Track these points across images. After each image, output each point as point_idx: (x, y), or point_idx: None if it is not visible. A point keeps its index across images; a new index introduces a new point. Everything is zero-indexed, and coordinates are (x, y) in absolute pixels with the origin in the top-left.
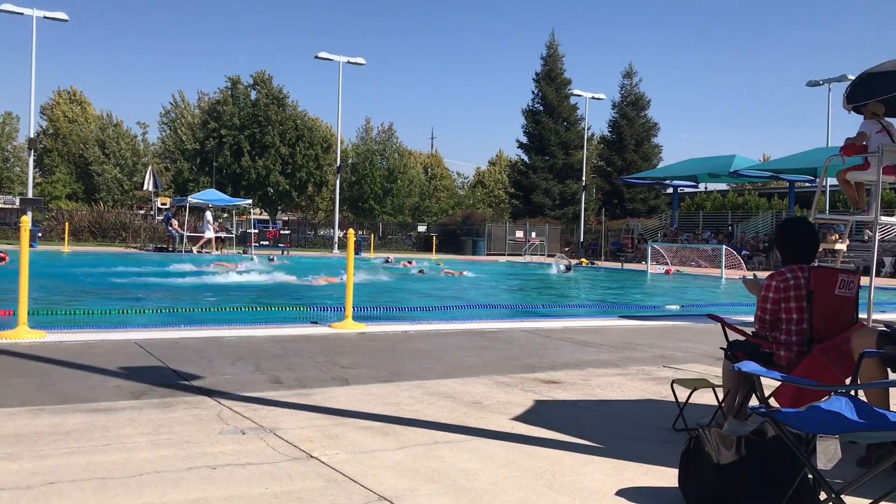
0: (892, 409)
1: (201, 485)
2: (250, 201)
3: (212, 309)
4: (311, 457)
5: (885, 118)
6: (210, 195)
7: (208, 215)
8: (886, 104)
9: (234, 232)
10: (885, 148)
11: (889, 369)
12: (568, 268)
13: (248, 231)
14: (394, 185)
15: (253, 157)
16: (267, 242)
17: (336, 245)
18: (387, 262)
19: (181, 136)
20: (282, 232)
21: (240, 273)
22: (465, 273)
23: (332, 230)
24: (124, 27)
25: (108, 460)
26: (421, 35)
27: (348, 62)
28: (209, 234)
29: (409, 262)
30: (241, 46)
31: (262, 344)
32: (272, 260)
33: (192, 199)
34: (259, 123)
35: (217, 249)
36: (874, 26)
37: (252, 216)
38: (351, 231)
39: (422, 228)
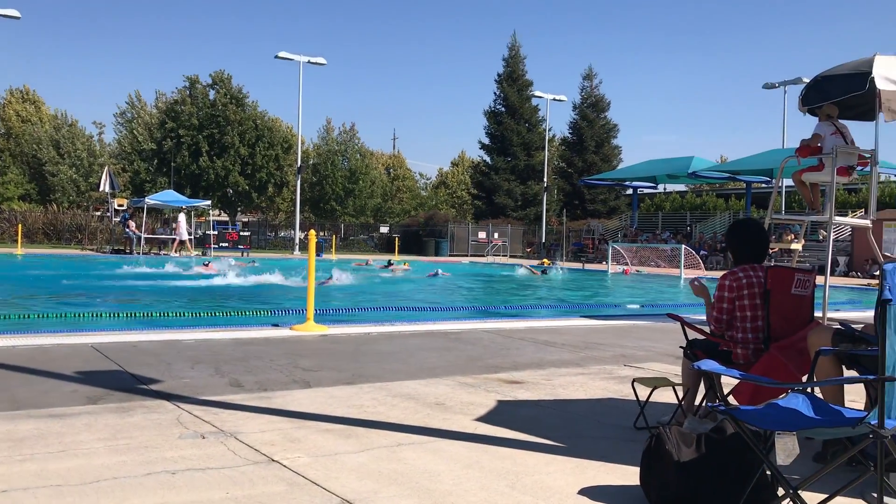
0: (846, 405)
1: (161, 490)
2: (209, 202)
3: (170, 313)
4: (273, 460)
5: (839, 120)
6: (168, 196)
7: (182, 217)
8: (840, 106)
9: (192, 233)
10: (838, 149)
11: (844, 367)
12: (544, 270)
13: (208, 232)
14: (355, 185)
15: (212, 157)
16: (226, 244)
17: (297, 246)
18: (366, 264)
19: (138, 136)
20: (241, 233)
21: (240, 274)
22: (439, 272)
23: (292, 231)
24: (79, 25)
25: (63, 467)
26: (382, 35)
27: (309, 62)
28: (183, 235)
29: (390, 264)
30: (199, 46)
31: (222, 347)
32: (253, 263)
33: (150, 200)
34: (218, 124)
35: (176, 252)
36: (829, 30)
37: (211, 217)
38: (312, 232)
39: (384, 229)
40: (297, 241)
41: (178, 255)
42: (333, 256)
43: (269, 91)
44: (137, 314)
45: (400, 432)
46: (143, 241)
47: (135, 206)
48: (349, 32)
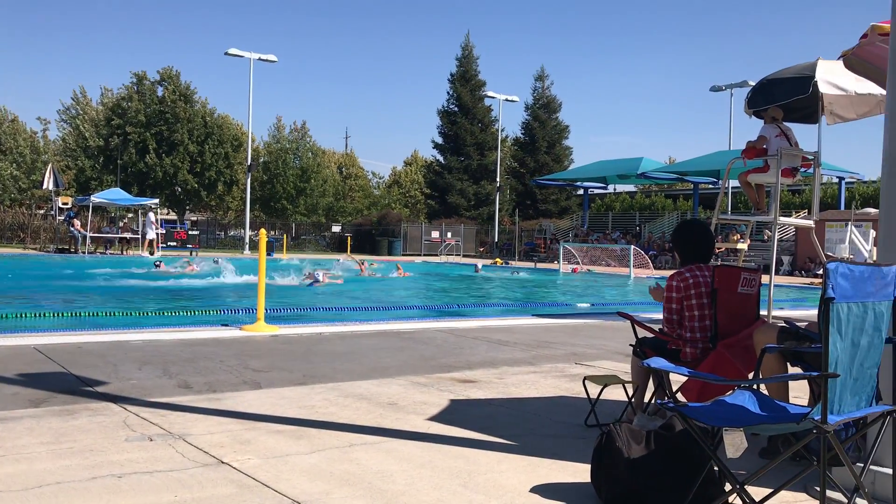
0: (791, 401)
1: (106, 495)
2: (157, 201)
3: (117, 313)
4: (223, 462)
5: (784, 123)
6: (114, 194)
7: (151, 216)
8: (784, 109)
9: (139, 233)
10: (783, 151)
11: (788, 363)
12: (516, 271)
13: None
14: (307, 184)
15: (160, 155)
16: (175, 243)
17: (247, 246)
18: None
19: (84, 132)
20: (190, 232)
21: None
22: (406, 273)
23: (242, 231)
24: (19, 18)
25: (3, 472)
26: (334, 33)
27: (259, 59)
28: (151, 234)
29: (362, 264)
30: (146, 41)
31: (170, 348)
32: (216, 262)
33: (96, 198)
34: (166, 121)
35: (123, 251)
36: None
37: (159, 216)
38: (263, 231)
39: (336, 229)
40: (246, 240)
41: (147, 254)
42: (284, 256)
43: (219, 88)
44: (82, 314)
45: (352, 433)
46: (88, 241)
47: (80, 204)
48: (300, 29)
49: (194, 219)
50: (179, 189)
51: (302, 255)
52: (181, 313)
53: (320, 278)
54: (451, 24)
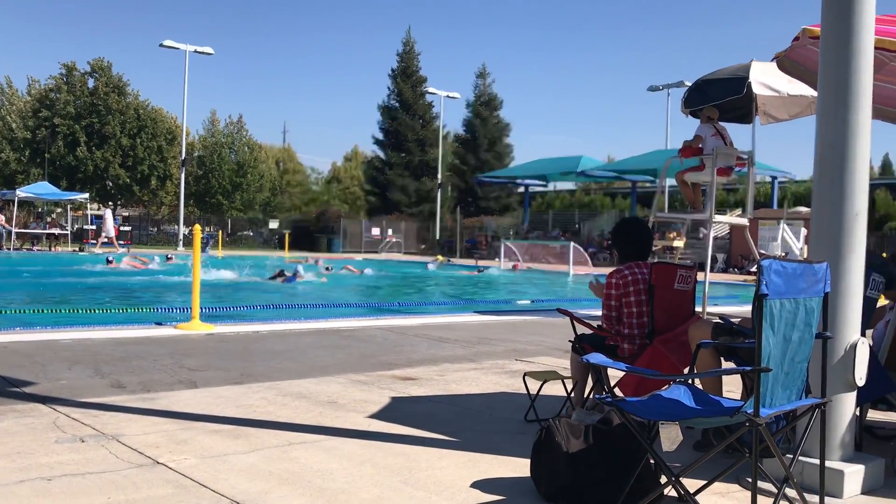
0: (724, 395)
1: (35, 498)
2: (87, 195)
3: (45, 311)
4: (158, 463)
5: (719, 122)
6: (41, 188)
7: (108, 213)
8: (720, 109)
9: (69, 228)
10: (718, 151)
11: (722, 358)
12: (481, 269)
13: (85, 227)
14: (243, 179)
15: (90, 148)
16: (106, 240)
17: (181, 242)
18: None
19: (12, 123)
20: (122, 228)
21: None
22: (366, 271)
23: (176, 226)
24: None
25: None
26: (272, 25)
27: (195, 51)
28: (110, 232)
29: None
30: (76, 32)
31: (101, 347)
32: (169, 259)
33: (21, 192)
34: (98, 113)
35: (51, 248)
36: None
37: (89, 211)
38: (197, 227)
39: (273, 225)
40: (181, 236)
41: (102, 251)
42: (220, 253)
43: (153, 81)
44: (8, 312)
45: (291, 431)
46: (13, 237)
47: (4, 198)
48: (238, 22)
49: (126, 214)
50: (111, 184)
51: (240, 252)
52: (114, 311)
53: (301, 272)
54: (392, 19)
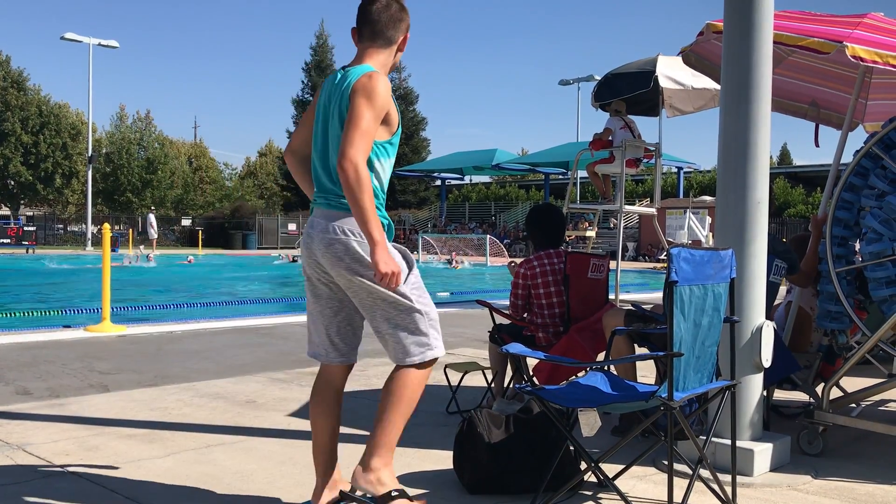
0: (639, 380)
1: None
2: None
3: None
4: (68, 471)
5: (628, 115)
6: None
7: (151, 217)
8: (628, 102)
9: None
10: (627, 143)
11: (636, 344)
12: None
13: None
14: (154, 176)
15: None
16: (8, 240)
17: (89, 242)
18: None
19: None
20: (26, 228)
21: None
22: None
23: (84, 226)
24: None
25: None
26: (178, 18)
27: (99, 45)
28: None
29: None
30: None
31: (6, 352)
32: (149, 259)
33: None
34: None
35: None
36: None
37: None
38: (106, 226)
39: (186, 222)
40: (89, 235)
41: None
42: (130, 251)
43: (56, 75)
44: None
45: (209, 433)
46: None
47: None
48: (143, 14)
49: (30, 214)
50: (12, 182)
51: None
52: (18, 314)
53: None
54: (305, 13)
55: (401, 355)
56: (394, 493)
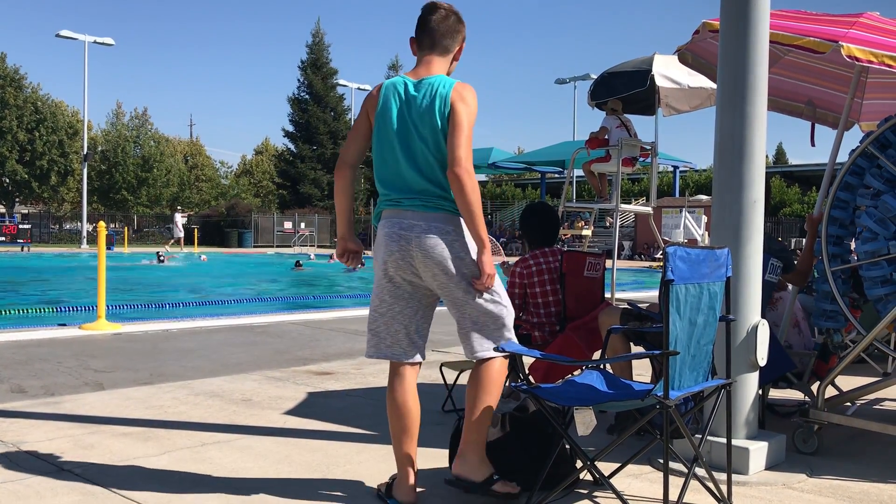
0: (634, 379)
1: None
2: None
3: None
4: (63, 470)
5: (624, 114)
6: None
7: (177, 217)
8: (624, 101)
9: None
10: (623, 142)
11: (631, 343)
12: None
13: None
14: (149, 174)
15: None
16: (3, 238)
17: (85, 240)
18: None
19: None
20: (21, 226)
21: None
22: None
23: (79, 224)
24: None
25: None
26: (175, 16)
27: (95, 42)
28: (179, 233)
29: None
30: None
31: (0, 351)
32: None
33: None
34: None
35: (171, 248)
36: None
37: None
38: (101, 224)
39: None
40: (84, 233)
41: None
42: (126, 250)
43: (52, 73)
44: None
45: (204, 431)
46: None
47: None
48: (139, 12)
49: (25, 212)
50: (7, 180)
51: (146, 249)
52: (14, 313)
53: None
54: (301, 10)
55: (487, 347)
56: (495, 478)
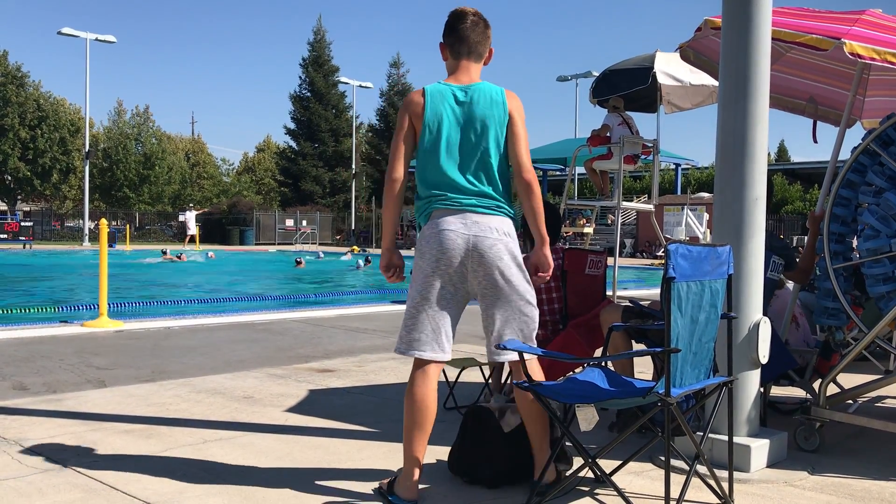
0: (636, 376)
1: None
2: None
3: None
4: (65, 467)
5: (626, 112)
6: None
7: (189, 213)
8: (626, 99)
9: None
10: (625, 139)
11: (633, 340)
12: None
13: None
14: (151, 171)
15: None
16: (5, 236)
17: (87, 237)
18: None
19: None
20: (23, 224)
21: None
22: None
23: (81, 221)
24: None
25: None
26: (177, 13)
27: (97, 39)
28: (190, 230)
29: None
30: None
31: (1, 347)
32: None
33: None
34: None
35: (187, 245)
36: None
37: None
38: (103, 221)
39: (183, 218)
40: (86, 231)
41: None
42: (128, 247)
43: (53, 70)
44: None
45: (206, 429)
46: None
47: None
48: (141, 9)
49: (27, 209)
50: (9, 177)
51: (148, 246)
52: (16, 310)
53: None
54: (302, 8)
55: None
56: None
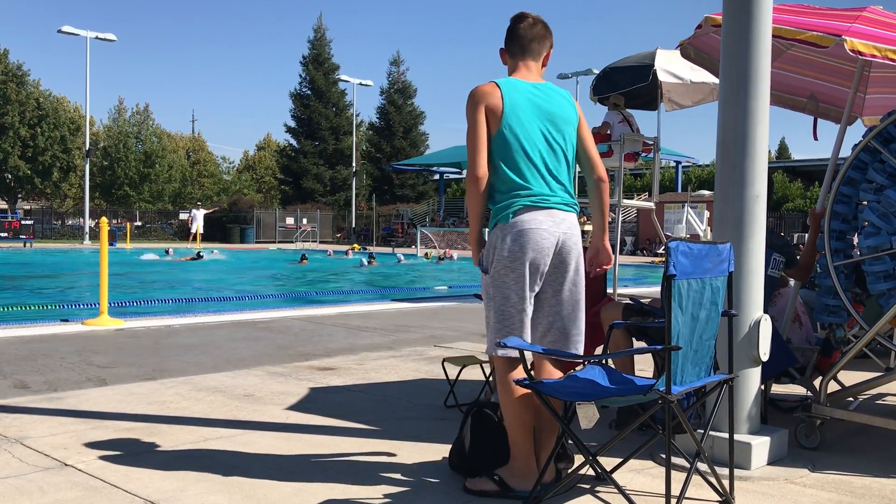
0: (637, 374)
1: None
2: None
3: None
4: (66, 465)
5: (626, 109)
6: None
7: (195, 212)
8: (627, 96)
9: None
10: (626, 137)
11: (633, 338)
12: (440, 258)
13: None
14: (151, 170)
15: None
16: (5, 234)
17: (87, 236)
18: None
19: None
20: (23, 222)
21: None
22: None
23: (82, 220)
24: None
25: None
26: (177, 11)
27: (97, 38)
28: (200, 229)
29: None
30: None
31: (2, 346)
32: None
33: None
34: None
35: (191, 243)
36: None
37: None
38: (104, 220)
39: (184, 216)
40: (86, 229)
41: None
42: (128, 246)
43: (53, 69)
44: None
45: (207, 427)
46: None
47: None
48: (141, 8)
49: (28, 207)
50: (10, 176)
51: (149, 245)
52: (16, 308)
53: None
54: (303, 6)
55: (573, 346)
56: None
